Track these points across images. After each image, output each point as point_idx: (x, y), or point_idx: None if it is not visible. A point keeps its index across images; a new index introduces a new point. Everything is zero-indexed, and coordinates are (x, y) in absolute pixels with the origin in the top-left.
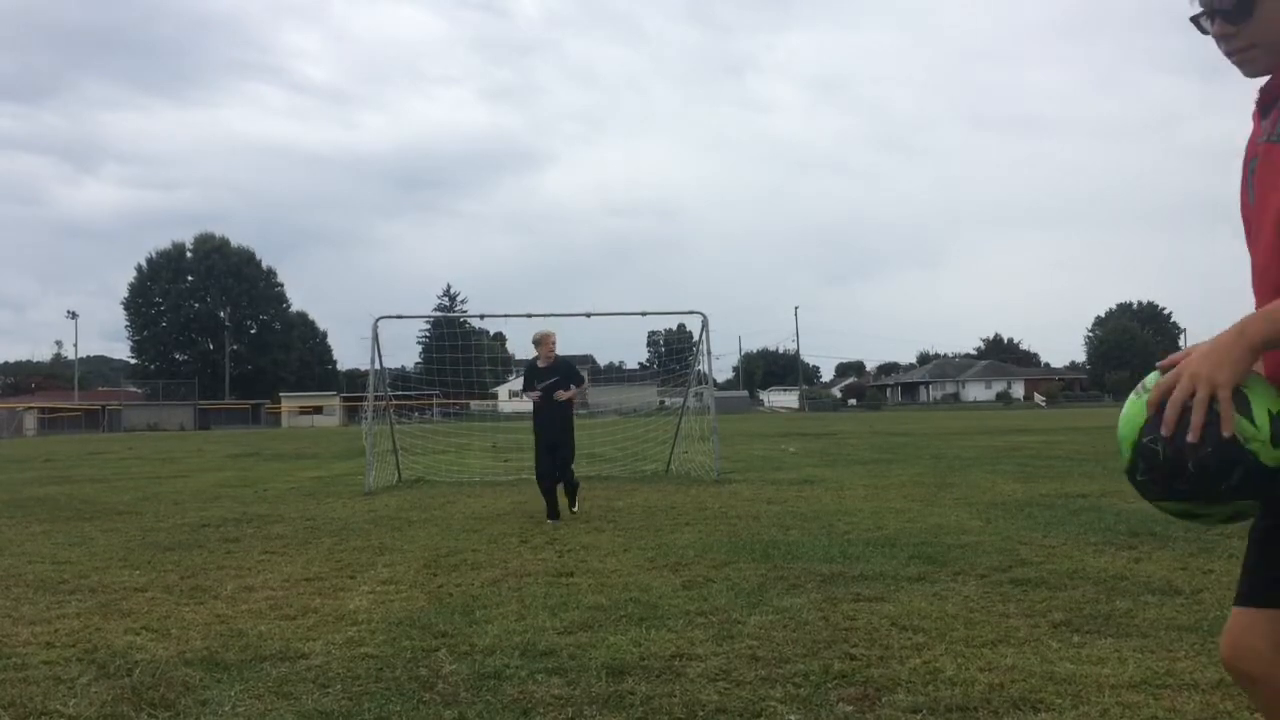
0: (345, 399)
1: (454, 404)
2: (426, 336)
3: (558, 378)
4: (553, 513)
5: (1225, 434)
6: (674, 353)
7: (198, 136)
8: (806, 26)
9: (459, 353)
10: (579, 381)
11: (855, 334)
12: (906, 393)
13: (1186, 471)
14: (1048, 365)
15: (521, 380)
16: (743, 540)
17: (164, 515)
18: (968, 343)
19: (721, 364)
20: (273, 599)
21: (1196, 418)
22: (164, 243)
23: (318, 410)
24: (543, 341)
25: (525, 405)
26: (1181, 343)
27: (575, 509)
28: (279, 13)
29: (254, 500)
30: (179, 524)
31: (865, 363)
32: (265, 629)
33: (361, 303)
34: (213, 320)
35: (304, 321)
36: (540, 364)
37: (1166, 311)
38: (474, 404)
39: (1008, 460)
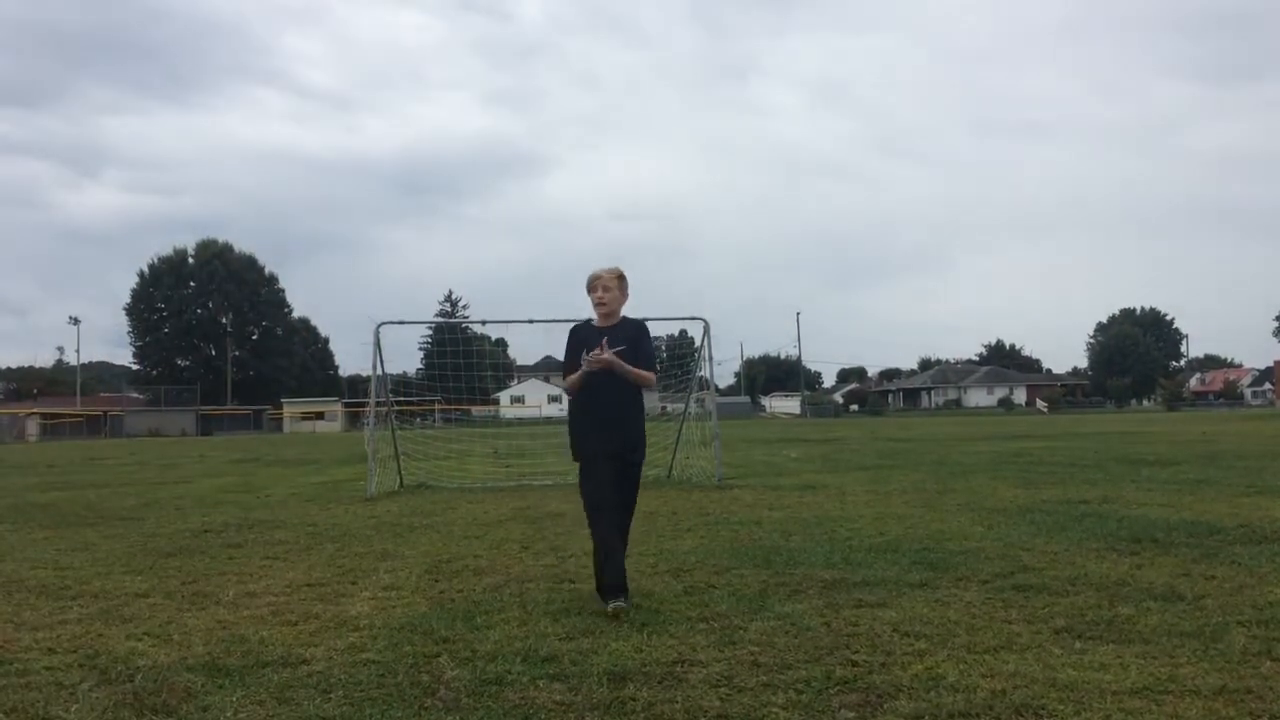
0: (347, 405)
1: (455, 409)
2: (428, 342)
3: (624, 346)
4: (618, 587)
5: None
6: (676, 358)
7: (199, 141)
8: (808, 30)
9: (460, 358)
10: (651, 365)
11: (857, 340)
12: (908, 398)
13: None
14: (1049, 371)
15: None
16: (744, 546)
17: (166, 521)
18: (969, 348)
19: (723, 370)
20: (274, 605)
21: None
22: (166, 248)
23: (319, 416)
24: (597, 284)
25: (529, 408)
26: (1184, 348)
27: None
28: (279, 16)
29: (256, 506)
30: (181, 529)
31: (867, 368)
32: (267, 635)
33: (363, 308)
34: (215, 326)
35: (306, 327)
36: (598, 323)
37: (1169, 317)
38: (475, 409)
39: (1009, 466)
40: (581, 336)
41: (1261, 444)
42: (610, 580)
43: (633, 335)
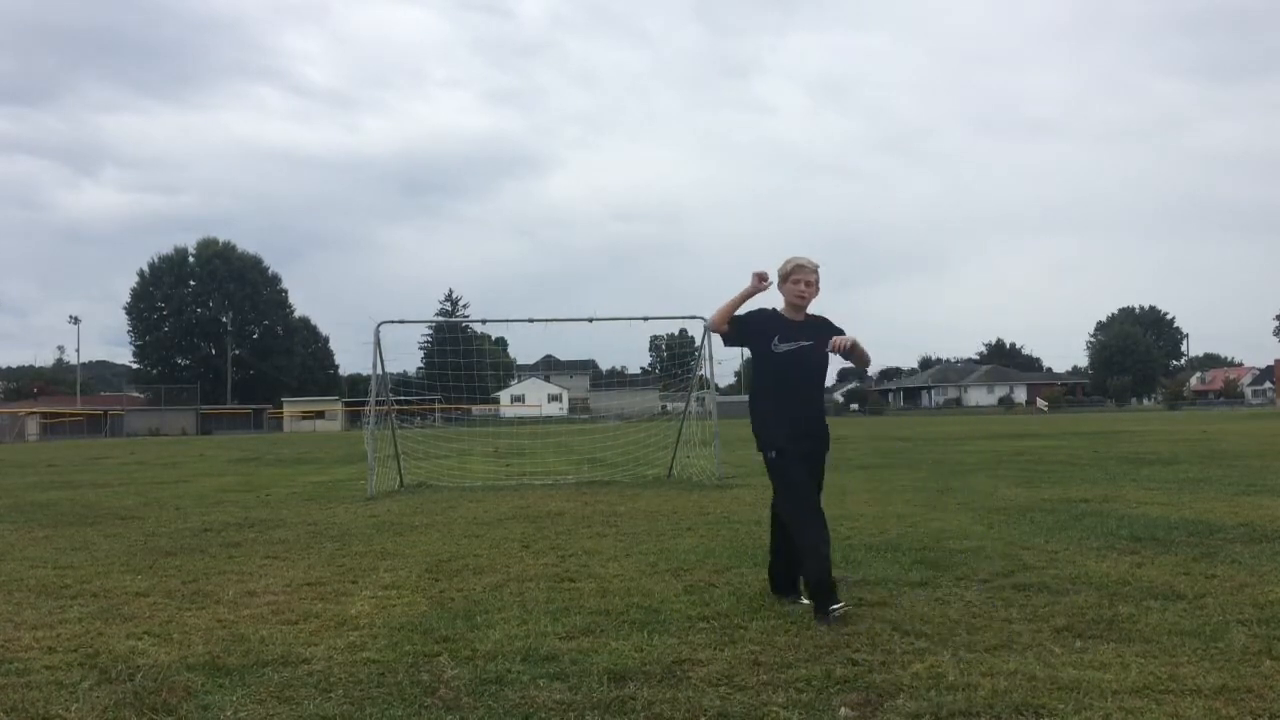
0: (347, 404)
1: (456, 409)
2: (428, 341)
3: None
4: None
5: None
6: (676, 357)
7: (198, 140)
8: (810, 28)
9: (460, 358)
10: (864, 361)
11: (857, 338)
12: (909, 397)
13: None
14: (1050, 370)
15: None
16: (745, 545)
17: (166, 520)
18: (970, 347)
19: (723, 369)
20: (275, 604)
21: None
22: (166, 247)
23: (320, 415)
24: (800, 276)
25: (529, 407)
26: (1184, 347)
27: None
28: (279, 14)
29: (256, 505)
30: (181, 529)
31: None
32: (267, 634)
33: (363, 307)
34: (215, 325)
35: (306, 326)
36: (786, 313)
37: (1169, 316)
38: (475, 409)
39: (1010, 465)
40: (770, 320)
41: (1262, 443)
42: (828, 580)
43: (827, 329)
